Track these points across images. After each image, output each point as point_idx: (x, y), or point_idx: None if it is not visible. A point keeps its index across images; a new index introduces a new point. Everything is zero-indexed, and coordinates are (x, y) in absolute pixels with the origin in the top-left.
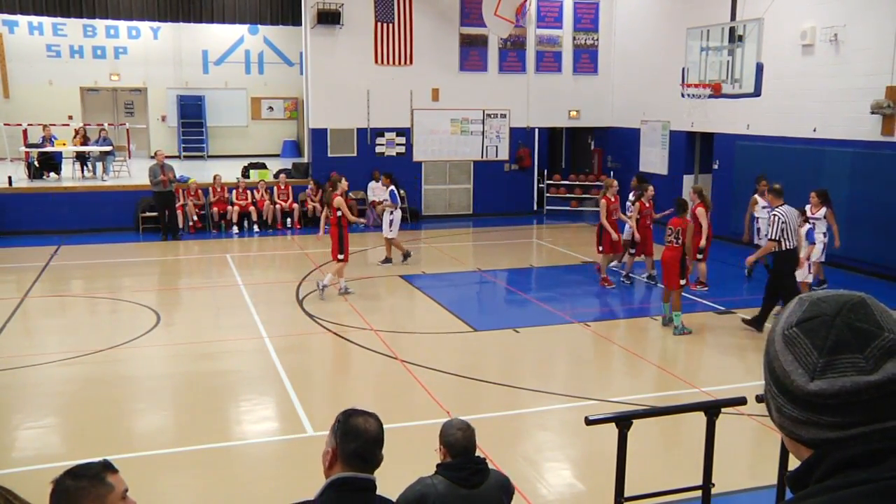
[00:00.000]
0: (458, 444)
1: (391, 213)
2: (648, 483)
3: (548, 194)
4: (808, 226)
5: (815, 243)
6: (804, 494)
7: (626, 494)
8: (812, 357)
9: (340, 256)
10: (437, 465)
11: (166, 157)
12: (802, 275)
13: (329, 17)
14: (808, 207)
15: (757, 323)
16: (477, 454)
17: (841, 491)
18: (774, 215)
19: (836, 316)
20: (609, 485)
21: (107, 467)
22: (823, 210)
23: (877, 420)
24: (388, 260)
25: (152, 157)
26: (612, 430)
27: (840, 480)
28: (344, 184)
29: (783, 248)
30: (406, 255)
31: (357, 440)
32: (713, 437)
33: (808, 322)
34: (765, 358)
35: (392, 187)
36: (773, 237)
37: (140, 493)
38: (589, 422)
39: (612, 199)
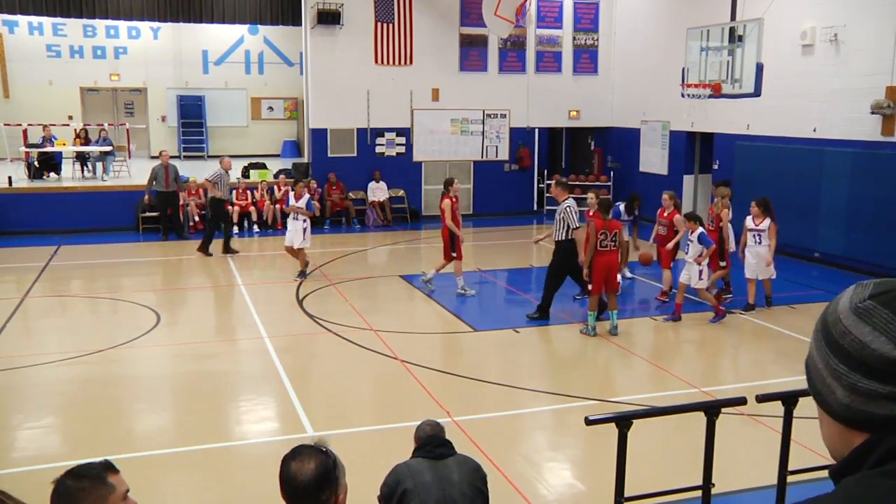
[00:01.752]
0: (427, 435)
1: (304, 221)
2: (648, 483)
3: (548, 194)
4: (699, 229)
5: (711, 246)
6: (862, 476)
7: (626, 494)
8: None
9: (454, 254)
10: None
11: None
12: (689, 277)
13: (329, 17)
14: (749, 218)
15: (541, 311)
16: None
17: None
18: (567, 208)
19: None
20: (609, 485)
21: (108, 467)
22: (767, 221)
23: None
24: (303, 273)
25: (155, 158)
26: (612, 430)
27: None
28: (456, 185)
29: (563, 238)
30: (303, 270)
31: (287, 487)
32: (713, 437)
33: (885, 295)
34: (823, 341)
35: (308, 195)
36: (575, 226)
37: (141, 494)
38: (589, 422)
39: (726, 210)
